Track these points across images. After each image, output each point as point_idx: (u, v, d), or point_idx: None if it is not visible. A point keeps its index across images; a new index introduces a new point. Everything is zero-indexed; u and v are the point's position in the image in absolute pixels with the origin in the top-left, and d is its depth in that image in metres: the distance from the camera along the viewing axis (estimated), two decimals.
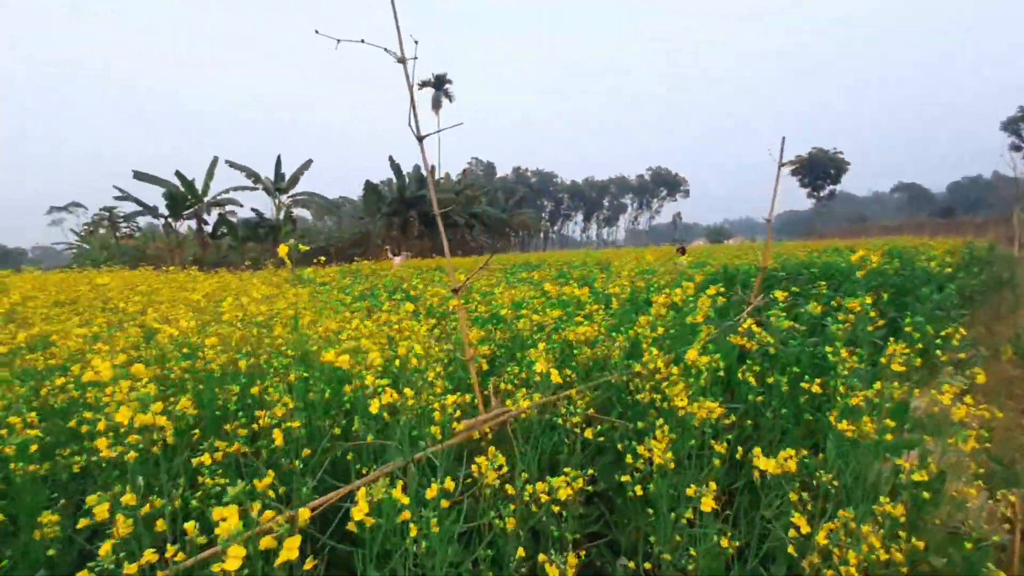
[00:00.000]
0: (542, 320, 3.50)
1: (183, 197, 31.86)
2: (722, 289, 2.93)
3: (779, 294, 2.92)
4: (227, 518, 0.84)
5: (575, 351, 2.71)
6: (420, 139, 2.14)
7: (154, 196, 37.47)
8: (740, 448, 1.93)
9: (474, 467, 1.46)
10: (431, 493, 1.28)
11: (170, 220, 32.06)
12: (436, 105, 51.14)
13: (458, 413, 1.88)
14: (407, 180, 44.44)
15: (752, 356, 2.93)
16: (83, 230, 31.55)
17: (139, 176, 30.89)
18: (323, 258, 3.80)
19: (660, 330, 2.70)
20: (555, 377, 1.93)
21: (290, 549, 0.86)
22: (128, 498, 1.21)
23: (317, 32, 2.43)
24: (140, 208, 31.57)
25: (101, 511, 1.17)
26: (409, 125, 2.08)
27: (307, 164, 37.78)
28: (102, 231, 31.32)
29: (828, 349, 2.55)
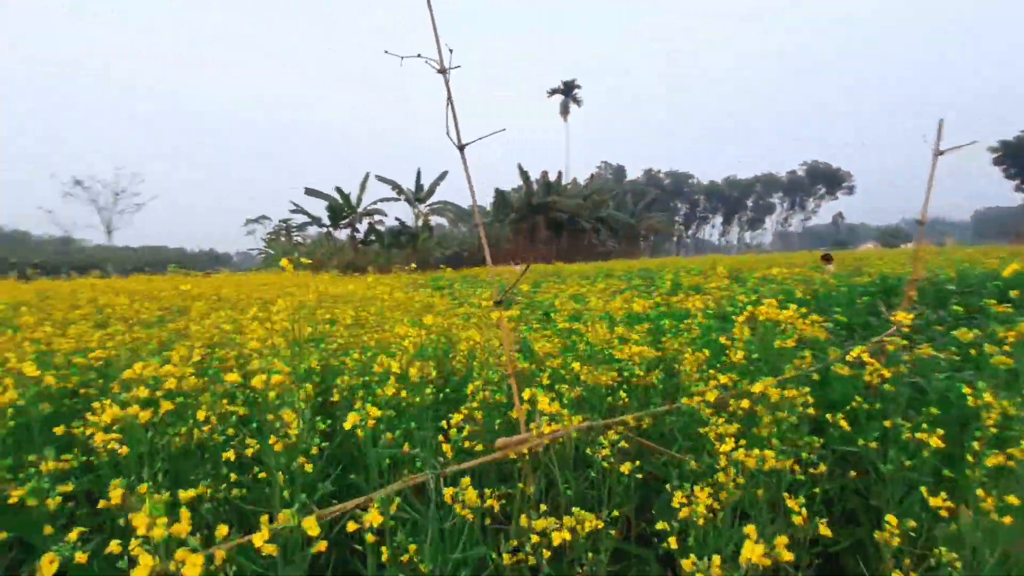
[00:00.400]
0: (624, 334, 3.27)
1: (341, 209, 36.34)
2: (807, 309, 2.43)
3: (902, 315, 2.34)
4: (138, 527, 0.88)
5: (627, 372, 2.45)
6: (461, 148, 2.12)
7: (319, 209, 42.63)
8: (804, 510, 1.55)
9: (447, 494, 1.37)
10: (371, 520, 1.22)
11: (330, 229, 36.74)
12: (564, 111, 51.50)
13: (466, 430, 1.80)
14: (535, 187, 45.43)
15: (874, 392, 2.39)
16: (267, 238, 37.71)
17: (309, 192, 35.95)
18: (413, 264, 3.98)
19: (740, 354, 2.33)
20: (544, 405, 1.75)
21: (194, 566, 0.87)
22: (142, 488, 1.34)
23: (387, 52, 2.54)
24: (308, 219, 36.67)
25: (115, 496, 1.31)
26: (448, 135, 2.07)
27: (443, 176, 40.58)
28: (282, 239, 37.09)
29: (966, 390, 1.96)
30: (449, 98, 2.06)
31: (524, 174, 44.93)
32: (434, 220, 41.69)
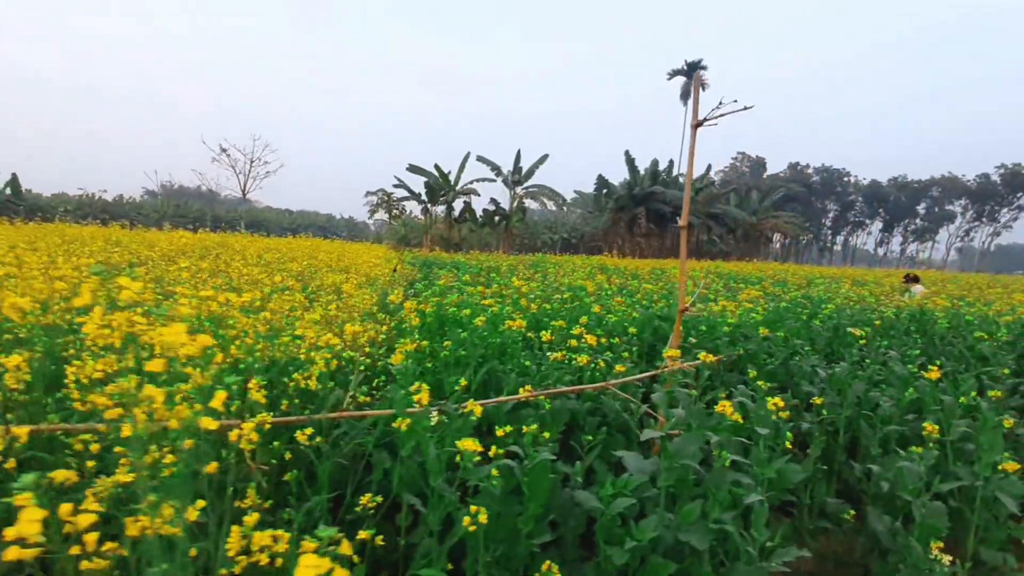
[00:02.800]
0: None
1: (439, 186, 37.81)
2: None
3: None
4: None
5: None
6: None
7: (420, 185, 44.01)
8: None
9: None
10: None
11: (428, 205, 38.50)
12: (685, 95, 47.40)
13: None
14: (641, 175, 42.95)
15: None
16: (370, 209, 40.71)
17: (411, 168, 37.93)
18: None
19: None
20: None
21: None
22: None
23: None
24: (408, 194, 38.78)
25: None
26: None
27: (543, 158, 40.12)
28: (381, 211, 39.88)
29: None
30: None
31: (630, 161, 42.63)
32: (528, 203, 41.49)
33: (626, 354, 3.44)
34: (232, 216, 61.46)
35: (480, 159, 39.16)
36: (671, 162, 44.28)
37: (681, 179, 46.71)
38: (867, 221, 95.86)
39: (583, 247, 45.10)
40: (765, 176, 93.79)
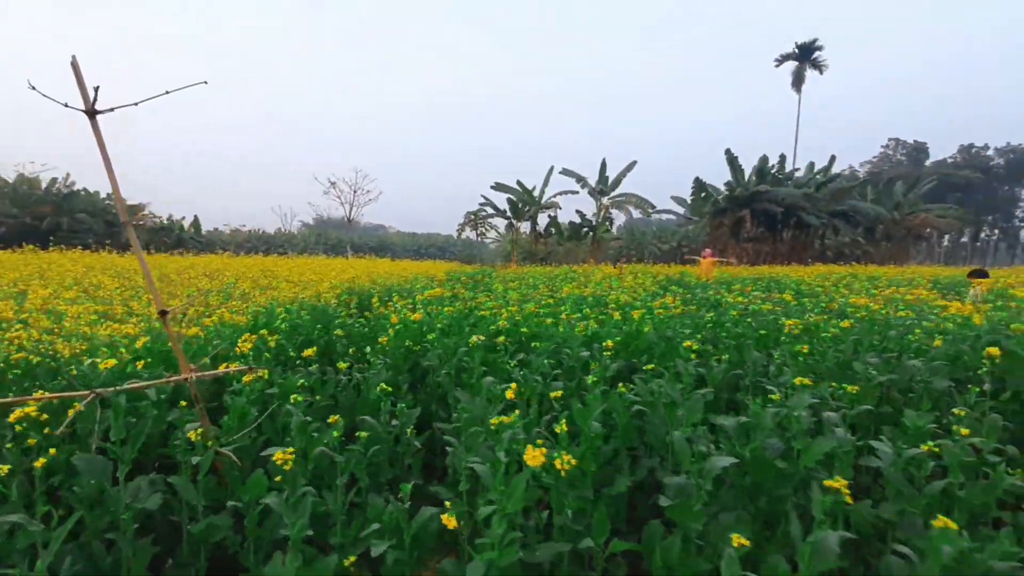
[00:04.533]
0: None
1: (523, 202, 38.03)
2: None
3: None
4: None
5: None
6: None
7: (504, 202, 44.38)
8: None
9: None
10: None
11: (513, 221, 38.89)
12: (798, 82, 41.85)
13: None
14: (745, 175, 38.93)
15: None
16: (458, 228, 42.13)
17: (496, 186, 38.73)
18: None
19: None
20: None
21: None
22: None
23: None
24: (494, 212, 39.53)
25: None
26: None
27: (631, 165, 38.41)
28: (467, 230, 41.12)
29: None
30: None
31: (732, 160, 38.86)
32: (616, 213, 39.78)
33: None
34: (364, 240, 68.99)
35: (564, 171, 38.68)
36: (782, 157, 39.46)
37: (797, 174, 41.41)
38: None
39: (679, 256, 42.04)
40: (928, 163, 79.26)
